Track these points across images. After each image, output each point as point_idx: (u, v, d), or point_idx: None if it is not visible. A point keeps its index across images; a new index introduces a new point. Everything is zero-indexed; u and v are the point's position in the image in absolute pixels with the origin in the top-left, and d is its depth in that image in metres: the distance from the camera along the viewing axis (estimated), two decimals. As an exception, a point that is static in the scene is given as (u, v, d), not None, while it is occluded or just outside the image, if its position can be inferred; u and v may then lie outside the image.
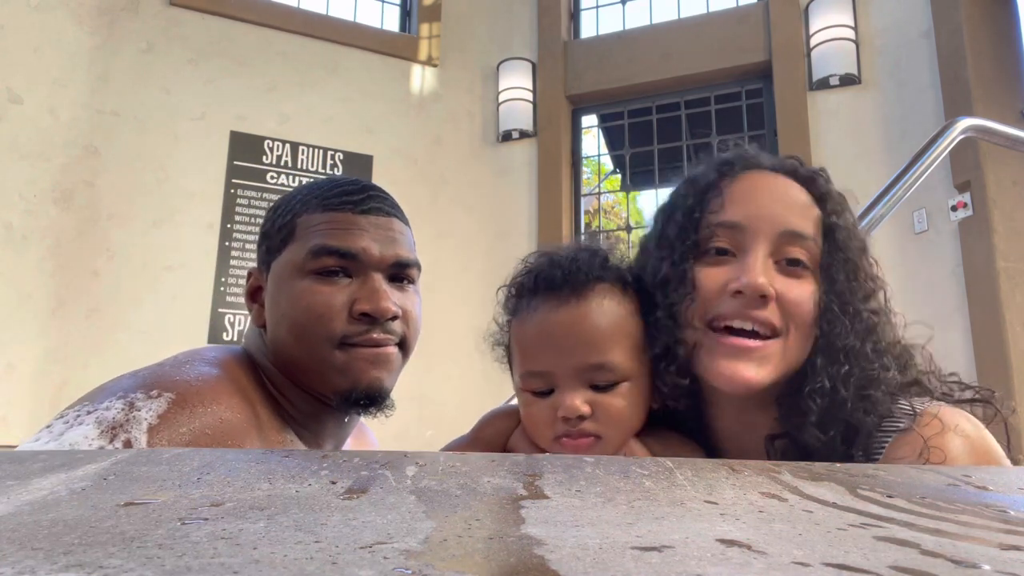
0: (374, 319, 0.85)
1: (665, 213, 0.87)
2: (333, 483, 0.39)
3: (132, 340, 3.48)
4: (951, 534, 0.32)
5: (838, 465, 0.49)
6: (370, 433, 1.14)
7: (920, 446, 0.71)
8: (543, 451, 0.79)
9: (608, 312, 0.78)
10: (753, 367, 0.76)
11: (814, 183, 0.83)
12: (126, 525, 0.30)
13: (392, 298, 0.87)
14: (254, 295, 0.94)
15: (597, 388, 0.76)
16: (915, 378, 0.83)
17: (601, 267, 0.80)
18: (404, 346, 0.90)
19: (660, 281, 0.81)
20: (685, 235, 0.81)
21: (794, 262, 0.78)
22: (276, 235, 0.91)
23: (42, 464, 0.42)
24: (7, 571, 0.23)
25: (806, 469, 0.47)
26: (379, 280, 0.87)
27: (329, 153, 4.21)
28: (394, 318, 0.87)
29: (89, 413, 0.74)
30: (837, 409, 0.75)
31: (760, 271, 0.76)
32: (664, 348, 0.79)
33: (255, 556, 0.26)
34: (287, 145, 4.13)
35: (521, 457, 0.47)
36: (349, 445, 1.04)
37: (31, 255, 3.49)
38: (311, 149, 4.17)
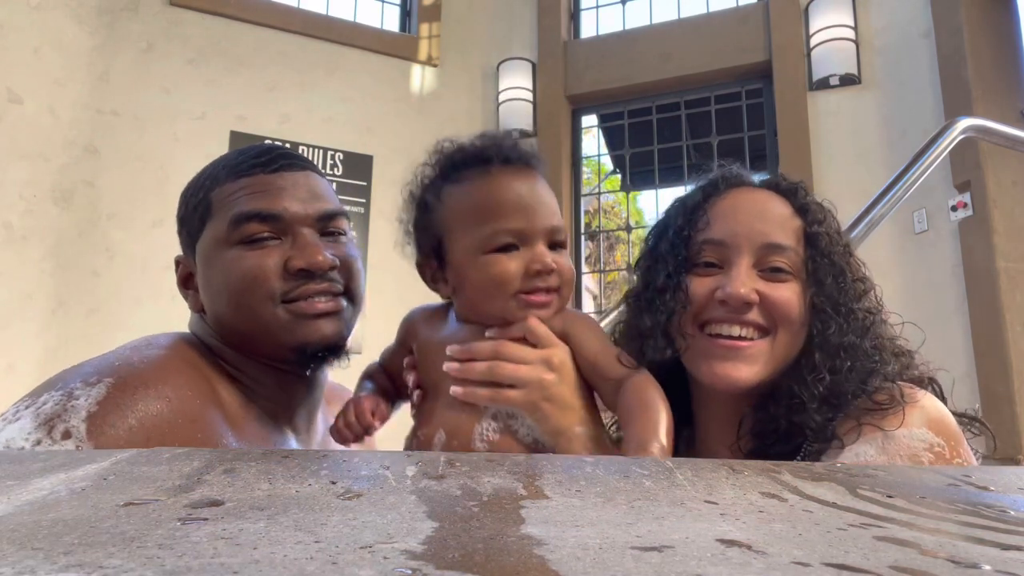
0: (311, 273, 0.84)
1: (658, 231, 0.95)
2: (333, 483, 0.39)
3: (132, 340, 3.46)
4: (951, 534, 0.32)
5: (838, 465, 0.49)
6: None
7: (886, 411, 0.77)
8: (463, 323, 0.83)
9: (550, 187, 0.86)
10: (744, 366, 0.83)
11: (795, 195, 0.90)
12: (126, 525, 0.30)
13: (326, 250, 0.86)
14: (186, 282, 0.93)
15: (553, 248, 0.82)
16: (918, 376, 0.88)
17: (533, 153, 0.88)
18: (350, 294, 0.89)
19: (657, 290, 0.88)
20: (677, 251, 0.89)
21: (776, 270, 0.85)
22: (193, 216, 0.89)
23: (42, 464, 0.42)
24: (7, 571, 0.23)
25: (806, 469, 0.47)
26: (309, 234, 0.86)
27: (329, 153, 4.22)
28: (331, 268, 0.86)
29: (27, 408, 0.72)
30: (837, 397, 0.81)
31: (742, 282, 0.83)
32: (658, 343, 0.86)
33: (255, 556, 0.26)
34: (287, 145, 4.13)
35: (521, 457, 0.47)
36: (326, 410, 1.02)
37: (31, 255, 3.49)
38: (311, 149, 4.17)
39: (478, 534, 0.30)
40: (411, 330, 0.89)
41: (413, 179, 0.88)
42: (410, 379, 0.84)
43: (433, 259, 0.84)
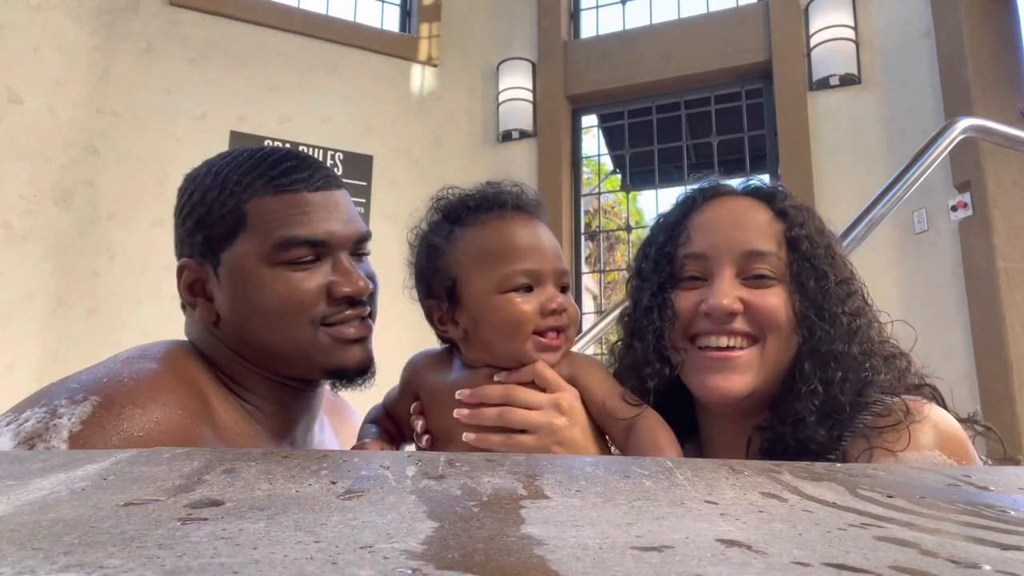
0: (352, 299, 0.85)
1: (643, 250, 0.95)
2: (333, 483, 0.39)
3: (132, 340, 3.44)
4: (951, 534, 0.32)
5: (838, 465, 0.49)
6: (350, 411, 1.11)
7: (895, 430, 0.76)
8: (467, 370, 0.85)
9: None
10: (735, 377, 0.82)
11: (773, 200, 0.89)
12: (126, 525, 0.30)
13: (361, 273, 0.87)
14: (192, 289, 0.87)
15: (561, 291, 0.85)
16: (916, 383, 0.86)
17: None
18: (372, 314, 0.91)
19: (645, 309, 0.89)
20: (661, 268, 0.90)
21: (760, 276, 0.84)
22: (219, 224, 0.84)
23: (42, 464, 0.42)
24: (7, 571, 0.23)
25: (806, 469, 0.47)
26: (348, 259, 0.87)
27: (329, 153, 4.22)
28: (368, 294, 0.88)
29: (8, 424, 0.70)
30: (836, 411, 0.79)
31: (724, 293, 0.83)
32: (653, 366, 0.87)
33: (255, 556, 0.26)
34: (287, 145, 4.13)
35: (521, 457, 0.47)
36: (325, 422, 1.02)
37: (31, 255, 3.49)
38: (311, 149, 4.17)
39: (478, 534, 0.30)
40: (415, 376, 0.91)
41: (418, 224, 0.91)
42: (419, 425, 0.86)
43: (444, 301, 0.86)
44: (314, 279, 0.84)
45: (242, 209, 0.84)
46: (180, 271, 0.88)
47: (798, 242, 0.85)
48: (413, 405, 0.88)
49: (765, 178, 0.99)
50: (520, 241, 0.84)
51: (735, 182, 0.94)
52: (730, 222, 0.88)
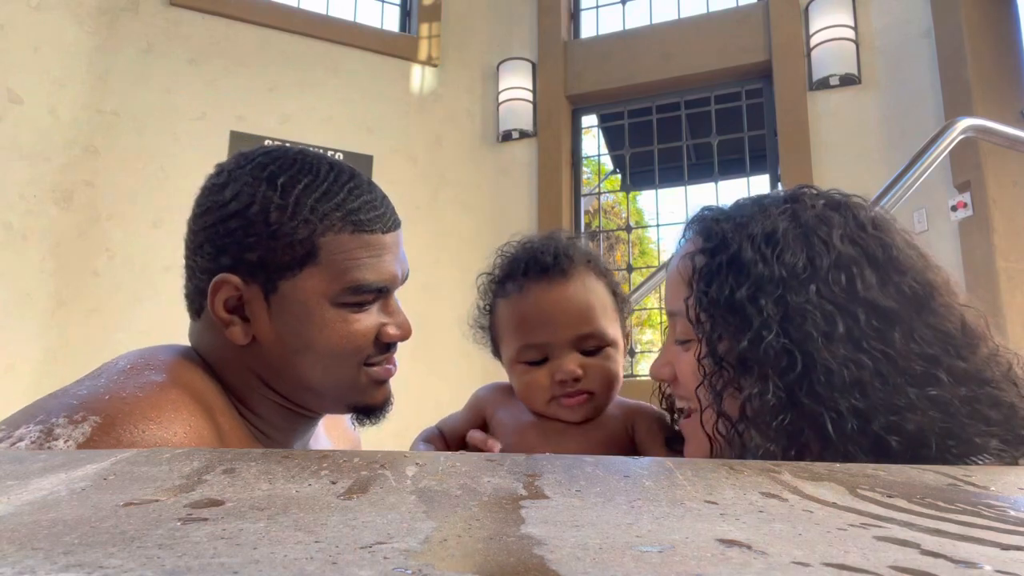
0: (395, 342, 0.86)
1: None
2: (333, 483, 0.39)
3: (132, 340, 3.45)
4: (951, 534, 0.32)
5: (838, 465, 0.49)
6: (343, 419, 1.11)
7: None
8: (536, 415, 0.91)
9: (591, 288, 0.89)
10: (687, 444, 0.78)
11: (688, 232, 0.79)
12: (126, 525, 0.30)
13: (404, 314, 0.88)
14: (229, 306, 0.81)
15: (586, 353, 0.87)
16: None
17: (579, 252, 0.91)
18: None
19: None
20: None
21: (681, 341, 0.76)
22: (285, 250, 0.78)
23: (42, 464, 0.42)
24: (7, 571, 0.23)
25: (806, 469, 0.47)
26: (396, 301, 0.87)
27: (329, 153, 4.20)
28: None
29: (1, 441, 0.67)
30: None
31: (655, 363, 0.80)
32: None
33: (255, 556, 0.26)
34: (287, 144, 4.12)
35: (521, 457, 0.47)
36: (320, 434, 1.01)
37: (31, 255, 3.49)
38: (311, 149, 4.16)
39: (478, 534, 0.30)
40: (485, 407, 0.96)
41: (483, 277, 0.96)
42: None
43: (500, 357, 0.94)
44: (370, 321, 0.83)
45: (315, 242, 0.79)
46: (217, 286, 0.80)
47: (701, 290, 0.71)
48: (506, 437, 0.92)
49: (764, 180, 0.97)
50: (530, 315, 0.87)
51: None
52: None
